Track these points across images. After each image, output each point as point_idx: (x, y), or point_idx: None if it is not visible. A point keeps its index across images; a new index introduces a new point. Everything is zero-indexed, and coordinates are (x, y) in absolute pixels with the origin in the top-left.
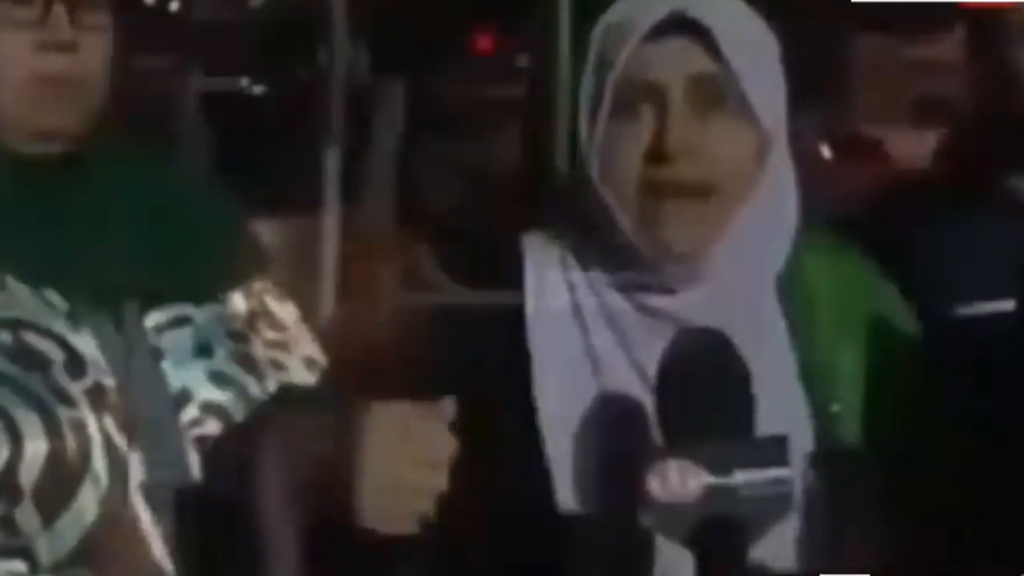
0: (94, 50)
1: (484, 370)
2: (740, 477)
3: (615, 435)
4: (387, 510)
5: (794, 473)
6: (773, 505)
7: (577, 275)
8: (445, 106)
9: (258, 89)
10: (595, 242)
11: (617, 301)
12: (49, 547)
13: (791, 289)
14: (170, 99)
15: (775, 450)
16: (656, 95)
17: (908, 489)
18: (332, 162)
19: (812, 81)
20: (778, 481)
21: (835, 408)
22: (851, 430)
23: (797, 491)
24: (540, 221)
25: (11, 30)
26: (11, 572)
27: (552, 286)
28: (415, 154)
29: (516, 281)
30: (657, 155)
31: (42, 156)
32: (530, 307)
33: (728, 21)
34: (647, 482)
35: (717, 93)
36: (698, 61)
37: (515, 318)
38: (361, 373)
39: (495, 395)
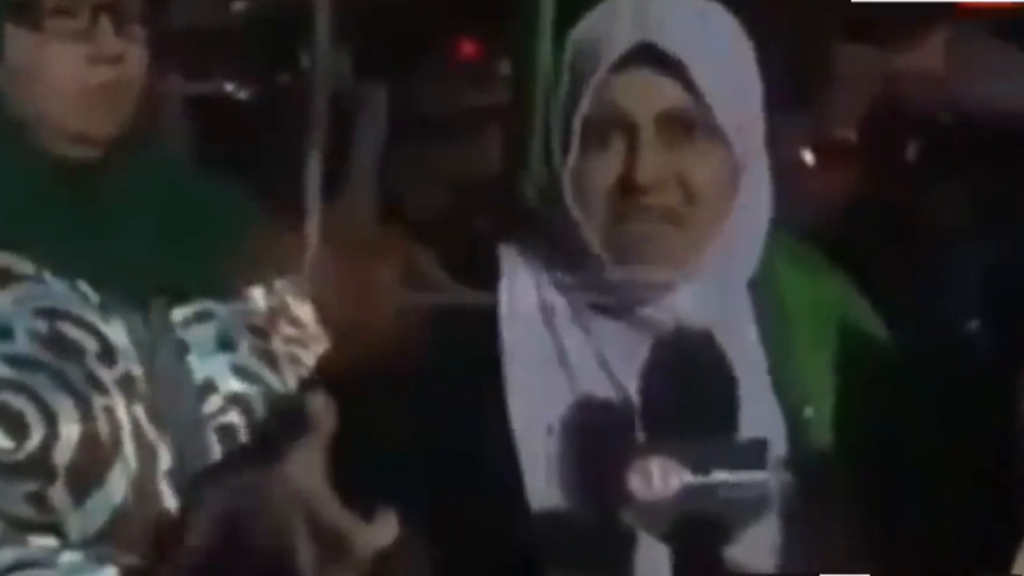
0: (136, 59)
1: (460, 371)
2: (719, 477)
3: (590, 436)
4: None
5: (771, 476)
6: (750, 506)
7: (549, 286)
8: (428, 110)
9: (241, 93)
10: (568, 262)
11: (588, 310)
12: (79, 525)
13: (764, 297)
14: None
15: (754, 452)
16: (626, 126)
17: (881, 495)
18: (314, 165)
19: (790, 88)
20: (756, 483)
21: (807, 413)
22: (823, 436)
23: (774, 494)
24: (516, 233)
25: (60, 42)
26: (43, 547)
27: (525, 291)
28: (398, 158)
29: (493, 286)
30: (628, 186)
31: (79, 159)
32: (503, 310)
33: (698, 47)
34: (629, 479)
35: (688, 124)
36: (668, 95)
37: (490, 321)
38: (340, 371)
39: (471, 396)
